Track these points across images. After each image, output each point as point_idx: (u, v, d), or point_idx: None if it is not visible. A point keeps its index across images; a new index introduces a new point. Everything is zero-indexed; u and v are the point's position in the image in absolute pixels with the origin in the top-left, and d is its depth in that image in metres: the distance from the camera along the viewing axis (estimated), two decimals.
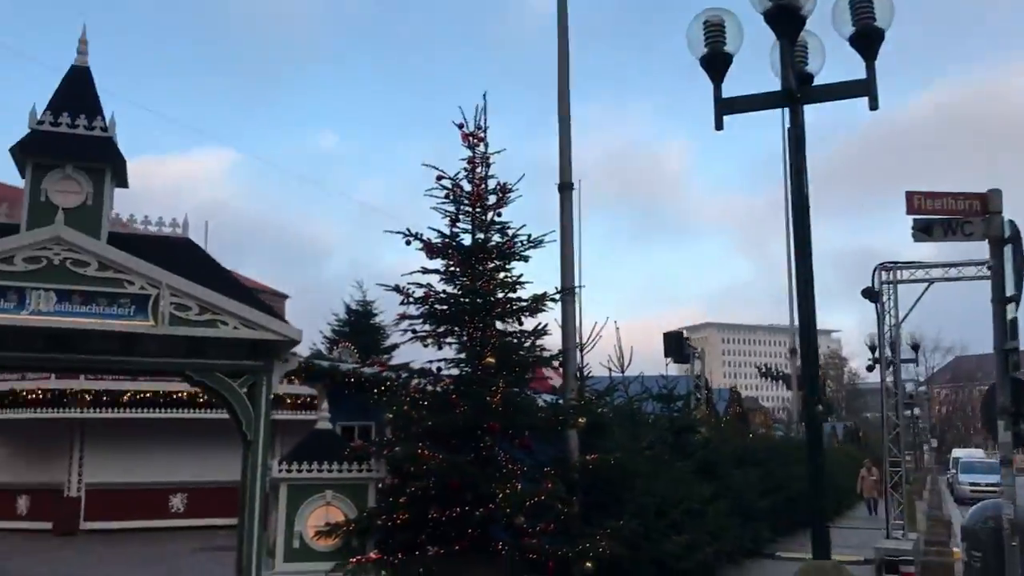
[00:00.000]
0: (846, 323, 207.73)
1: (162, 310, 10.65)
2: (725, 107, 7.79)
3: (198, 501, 23.37)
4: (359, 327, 37.08)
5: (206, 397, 22.65)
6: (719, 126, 7.79)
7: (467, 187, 12.36)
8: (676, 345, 23.21)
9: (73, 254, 10.50)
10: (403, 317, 12.21)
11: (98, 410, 22.13)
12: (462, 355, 12.17)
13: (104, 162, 11.19)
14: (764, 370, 64.26)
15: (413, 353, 14.30)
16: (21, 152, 10.91)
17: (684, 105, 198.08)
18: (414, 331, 12.24)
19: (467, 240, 12.24)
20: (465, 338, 12.09)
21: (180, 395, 22.64)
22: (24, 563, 16.65)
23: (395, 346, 38.76)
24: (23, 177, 11.29)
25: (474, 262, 12.06)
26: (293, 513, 11.25)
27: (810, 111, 7.54)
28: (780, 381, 57.37)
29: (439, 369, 12.04)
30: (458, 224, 12.31)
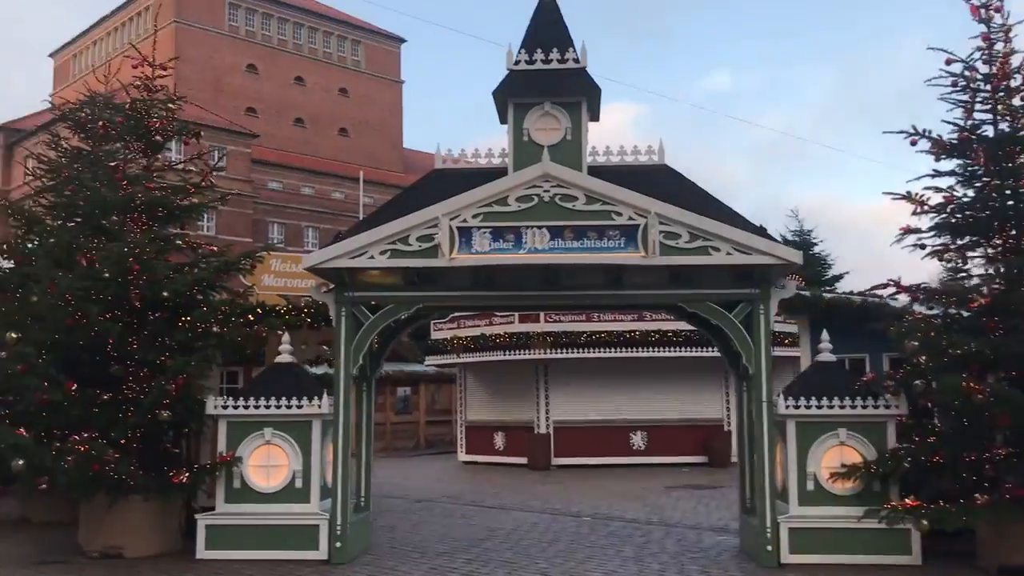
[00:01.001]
0: None
1: (651, 239, 10.13)
2: None
3: (657, 439, 23.49)
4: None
5: (658, 335, 22.79)
6: None
7: (983, 69, 10.30)
8: None
9: (561, 189, 10.34)
10: (908, 231, 10.57)
11: (559, 351, 22.99)
12: (990, 270, 10.25)
13: (579, 95, 10.91)
14: None
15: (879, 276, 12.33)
16: (501, 94, 10.96)
17: None
18: (922, 246, 10.57)
19: (989, 132, 10.22)
20: (995, 251, 10.15)
21: (633, 334, 22.79)
22: (516, 496, 17.61)
23: (839, 276, 36.59)
24: (502, 122, 11.39)
25: (1002, 157, 10.01)
26: (804, 453, 10.24)
27: None
28: None
29: (972, 288, 10.22)
30: (974, 116, 10.33)
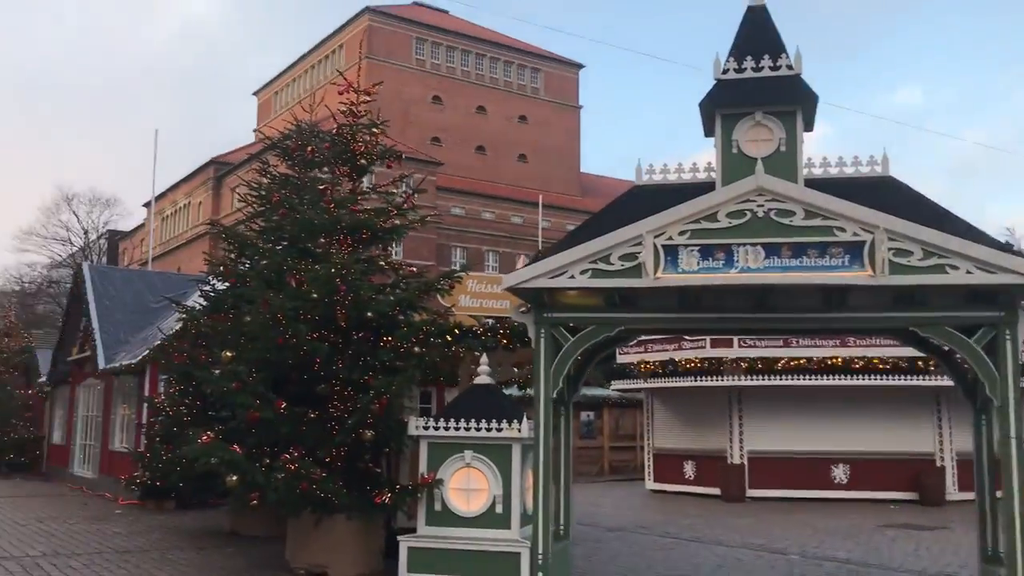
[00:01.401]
0: None
1: (880, 257, 9.27)
2: None
3: (861, 473, 21.95)
4: None
5: (864, 362, 21.33)
6: None
7: None
8: None
9: (777, 204, 9.65)
10: None
11: (754, 377, 21.96)
12: None
13: (794, 103, 10.20)
14: None
15: None
16: (710, 104, 10.43)
17: None
18: None
19: None
20: None
21: (835, 361, 21.47)
22: (712, 529, 16.80)
23: None
24: (708, 135, 10.85)
25: None
26: None
27: None
28: None
29: None
30: None
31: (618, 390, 27.96)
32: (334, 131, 11.95)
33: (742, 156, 10.15)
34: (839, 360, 21.55)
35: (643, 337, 23.11)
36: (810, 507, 20.85)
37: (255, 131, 79.89)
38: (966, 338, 9.42)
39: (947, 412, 21.96)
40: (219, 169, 69.65)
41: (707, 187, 10.30)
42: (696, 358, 22.69)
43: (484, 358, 11.27)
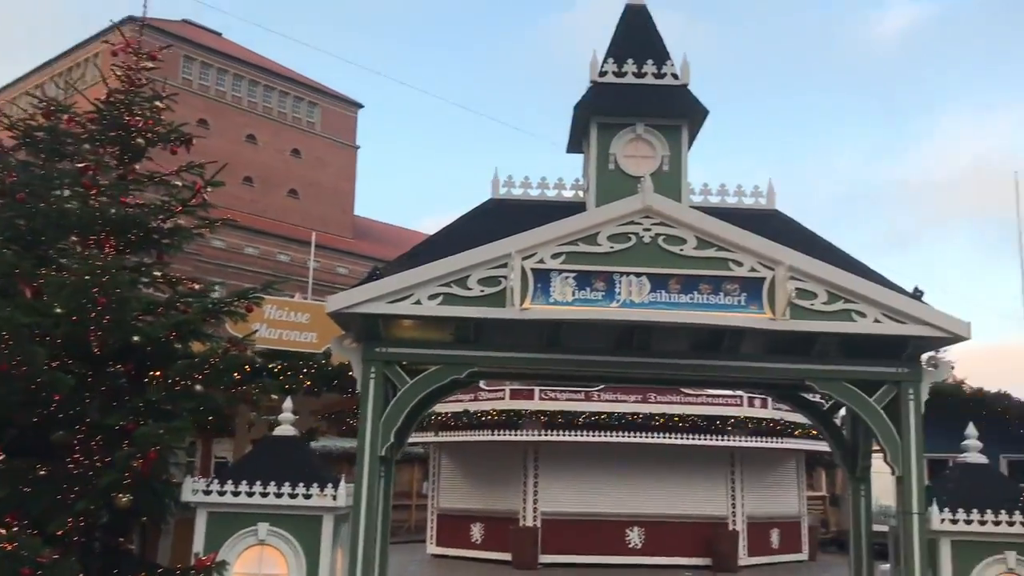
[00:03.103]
0: None
1: (781, 298, 7.93)
2: None
3: (656, 537, 20.96)
4: None
5: (663, 419, 20.50)
6: None
7: None
8: None
9: (666, 228, 8.12)
10: None
11: (553, 432, 20.52)
12: None
13: (680, 117, 8.83)
14: None
15: None
16: (585, 109, 8.82)
17: None
18: None
19: None
20: None
21: (634, 417, 20.49)
22: None
23: None
24: (572, 150, 9.30)
25: None
26: None
27: None
28: None
29: None
30: None
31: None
32: (104, 99, 9.18)
33: (620, 173, 8.63)
34: (638, 416, 20.61)
35: None
36: (605, 573, 19.59)
37: None
38: (867, 396, 8.25)
39: (740, 474, 21.58)
40: None
41: (578, 208, 8.65)
42: (494, 410, 20.96)
43: (288, 403, 8.85)
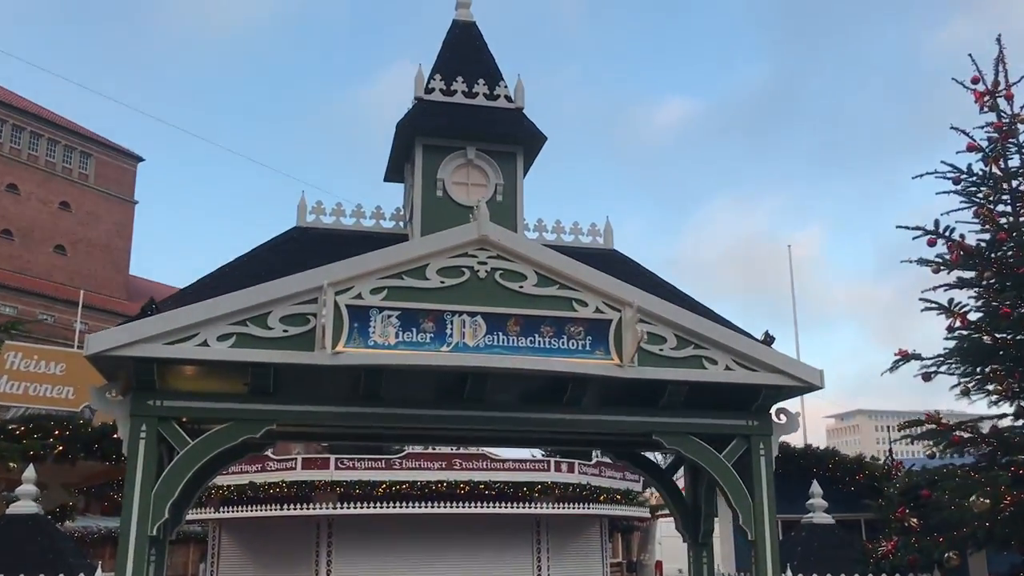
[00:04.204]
0: None
1: (629, 342, 7.11)
2: None
3: None
4: None
5: (469, 487, 19.37)
6: None
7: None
8: None
9: (504, 263, 7.14)
10: (906, 357, 8.32)
11: (349, 505, 18.86)
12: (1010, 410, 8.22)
13: (515, 143, 7.98)
14: None
15: None
16: (409, 127, 7.78)
17: None
18: (927, 376, 8.37)
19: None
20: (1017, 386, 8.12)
21: (440, 486, 19.25)
22: None
23: None
24: (389, 178, 8.28)
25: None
26: None
27: None
28: None
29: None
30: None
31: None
32: None
33: (450, 201, 7.64)
34: (443, 485, 19.39)
35: None
36: None
37: None
38: (716, 452, 7.53)
39: (547, 541, 20.75)
40: None
41: (399, 240, 7.56)
42: (283, 481, 19.03)
43: (29, 472, 7.01)
